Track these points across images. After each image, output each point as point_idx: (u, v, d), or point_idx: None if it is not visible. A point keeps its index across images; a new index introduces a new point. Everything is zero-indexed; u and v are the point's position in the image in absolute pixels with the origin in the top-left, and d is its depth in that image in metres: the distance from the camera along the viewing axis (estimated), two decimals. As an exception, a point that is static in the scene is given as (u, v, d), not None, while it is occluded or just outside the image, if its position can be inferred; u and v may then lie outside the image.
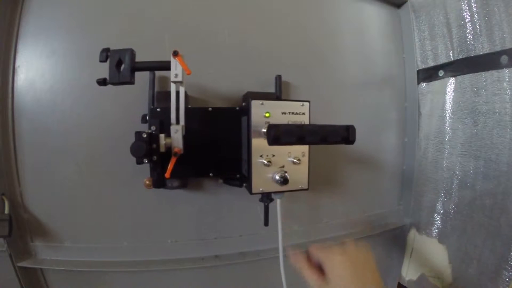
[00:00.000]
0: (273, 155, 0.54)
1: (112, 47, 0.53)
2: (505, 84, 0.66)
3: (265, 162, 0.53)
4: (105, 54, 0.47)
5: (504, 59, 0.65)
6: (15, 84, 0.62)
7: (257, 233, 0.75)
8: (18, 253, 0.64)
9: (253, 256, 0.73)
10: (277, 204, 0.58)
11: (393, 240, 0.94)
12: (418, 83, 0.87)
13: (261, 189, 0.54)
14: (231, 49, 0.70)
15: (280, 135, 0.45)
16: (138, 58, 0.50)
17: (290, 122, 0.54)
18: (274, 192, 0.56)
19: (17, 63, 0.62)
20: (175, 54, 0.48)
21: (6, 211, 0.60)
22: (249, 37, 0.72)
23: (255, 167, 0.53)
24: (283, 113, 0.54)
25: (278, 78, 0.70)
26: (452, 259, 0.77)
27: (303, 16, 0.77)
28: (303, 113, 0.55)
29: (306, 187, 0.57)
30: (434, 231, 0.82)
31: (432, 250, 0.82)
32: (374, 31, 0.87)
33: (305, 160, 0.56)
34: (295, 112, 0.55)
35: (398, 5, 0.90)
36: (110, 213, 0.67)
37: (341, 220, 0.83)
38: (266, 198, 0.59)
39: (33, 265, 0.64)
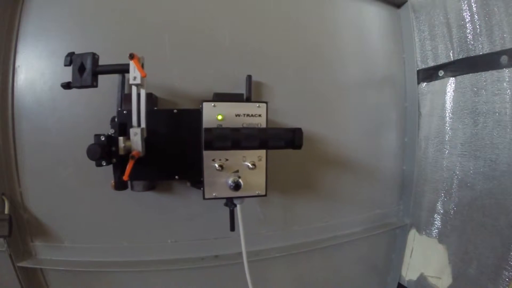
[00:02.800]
0: (227, 159, 0.52)
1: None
2: (505, 84, 0.66)
3: (217, 166, 0.51)
4: (69, 59, 0.48)
5: (504, 59, 0.65)
6: (15, 84, 0.62)
7: (257, 233, 0.75)
8: (18, 253, 0.64)
9: (253, 256, 0.73)
10: (238, 209, 0.56)
11: (393, 240, 0.94)
12: (418, 83, 0.87)
13: (214, 194, 0.52)
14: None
15: (212, 140, 0.43)
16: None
17: (244, 125, 0.51)
18: (233, 198, 0.55)
19: (17, 63, 0.62)
20: (131, 57, 0.47)
21: (6, 211, 0.61)
22: (246, 38, 0.71)
23: (208, 171, 0.51)
24: (237, 115, 0.51)
25: (248, 78, 0.67)
26: (452, 259, 0.77)
27: (302, 16, 0.77)
28: (259, 115, 0.53)
29: (264, 193, 0.55)
30: (434, 231, 0.82)
31: (432, 250, 0.82)
32: (374, 31, 0.87)
33: (262, 164, 0.54)
34: (250, 114, 0.52)
35: (398, 5, 0.90)
36: (110, 213, 0.66)
37: (341, 220, 0.83)
38: (231, 203, 0.57)
39: (33, 265, 0.64)
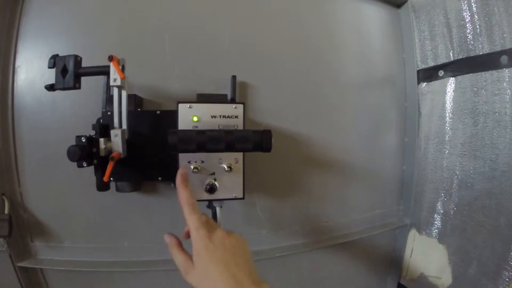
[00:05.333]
0: (202, 161, 0.51)
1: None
2: (505, 84, 0.66)
3: (192, 168, 0.50)
4: (53, 61, 0.49)
5: (504, 59, 0.65)
6: (15, 84, 0.62)
7: (257, 233, 0.75)
8: (18, 253, 0.64)
9: (253, 256, 0.72)
10: (217, 212, 0.56)
11: (393, 240, 0.94)
12: (418, 83, 0.87)
13: None
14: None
15: (176, 142, 0.42)
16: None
17: (220, 126, 0.51)
18: (210, 200, 0.54)
19: (17, 63, 0.62)
20: (110, 58, 0.47)
21: (6, 211, 0.60)
22: (242, 39, 0.71)
23: None
24: (213, 116, 0.50)
25: (233, 78, 0.65)
26: (452, 259, 0.77)
27: (301, 15, 0.77)
28: (236, 116, 0.51)
29: (241, 196, 0.54)
30: (434, 231, 0.82)
31: (432, 250, 0.82)
32: (374, 31, 0.87)
33: (239, 167, 0.53)
34: (227, 115, 0.51)
35: (398, 5, 0.90)
36: (110, 213, 0.67)
37: (341, 220, 0.83)
38: (212, 205, 0.57)
39: (33, 265, 0.64)
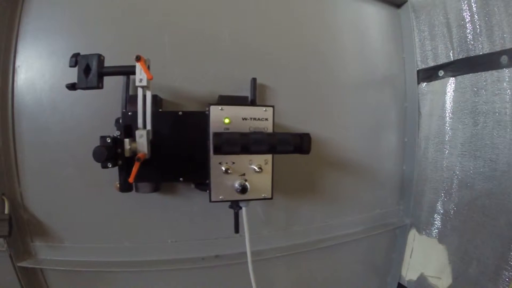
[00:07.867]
0: (233, 163, 0.52)
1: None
2: (505, 84, 0.66)
3: (224, 169, 0.51)
4: (75, 59, 0.48)
5: (504, 59, 0.65)
6: (15, 84, 0.62)
7: (258, 233, 0.75)
8: (18, 253, 0.64)
9: (254, 256, 0.72)
10: (243, 212, 0.56)
11: (393, 240, 0.94)
12: (418, 83, 0.87)
13: (221, 197, 0.52)
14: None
15: (221, 144, 0.43)
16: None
17: (251, 129, 0.52)
18: (240, 200, 0.55)
19: (17, 63, 0.62)
20: (138, 59, 0.47)
21: (6, 211, 0.60)
22: (247, 39, 0.71)
23: (214, 174, 0.52)
24: (244, 118, 0.52)
25: (253, 81, 0.67)
26: (452, 259, 0.77)
27: (302, 16, 0.77)
28: (266, 119, 0.53)
29: (270, 196, 0.55)
30: (434, 231, 0.82)
31: (432, 250, 0.82)
32: (374, 31, 0.87)
33: (268, 168, 0.54)
34: (257, 117, 0.52)
35: (398, 5, 0.90)
36: (110, 213, 0.66)
37: (342, 220, 0.83)
38: (236, 205, 0.57)
39: (33, 265, 0.64)
